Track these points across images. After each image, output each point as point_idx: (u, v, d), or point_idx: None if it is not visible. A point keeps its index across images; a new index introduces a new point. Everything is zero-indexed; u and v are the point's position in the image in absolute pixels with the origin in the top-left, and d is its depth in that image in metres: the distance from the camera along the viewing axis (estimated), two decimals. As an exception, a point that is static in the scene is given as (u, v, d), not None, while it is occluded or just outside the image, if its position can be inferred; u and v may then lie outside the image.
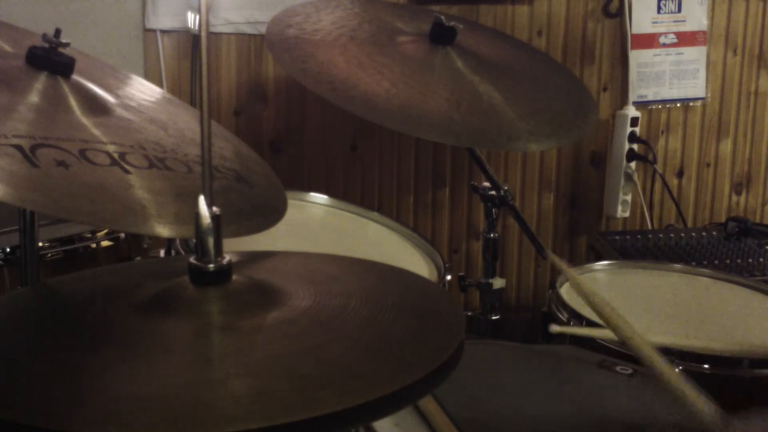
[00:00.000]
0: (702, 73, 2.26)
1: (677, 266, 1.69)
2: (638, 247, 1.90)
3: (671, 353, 1.25)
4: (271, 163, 1.47)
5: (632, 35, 2.19)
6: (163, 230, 0.94)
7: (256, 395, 0.61)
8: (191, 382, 0.64)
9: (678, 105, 2.28)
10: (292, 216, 1.17)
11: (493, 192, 1.70)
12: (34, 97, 1.03)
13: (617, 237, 1.97)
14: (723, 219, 2.19)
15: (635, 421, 1.00)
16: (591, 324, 1.35)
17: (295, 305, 0.76)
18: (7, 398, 0.62)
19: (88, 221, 1.03)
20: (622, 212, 2.24)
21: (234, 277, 0.78)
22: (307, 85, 1.49)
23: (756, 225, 2.00)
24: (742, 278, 1.64)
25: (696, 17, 2.23)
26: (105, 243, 1.40)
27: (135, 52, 1.94)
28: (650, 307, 1.49)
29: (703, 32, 2.24)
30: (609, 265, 1.69)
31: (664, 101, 2.26)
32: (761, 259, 1.84)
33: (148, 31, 1.93)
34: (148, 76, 1.93)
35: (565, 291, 1.51)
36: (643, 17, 2.20)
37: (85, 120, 1.04)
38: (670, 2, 2.21)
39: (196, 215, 0.76)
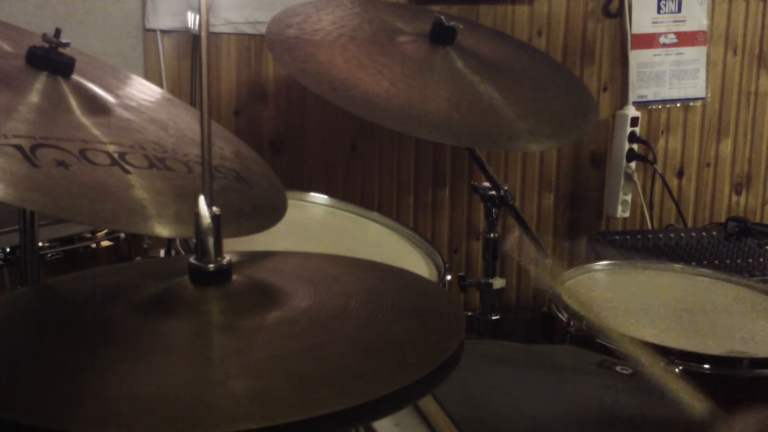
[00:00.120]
0: (702, 73, 2.26)
1: (677, 266, 1.69)
2: (638, 247, 1.90)
3: (671, 353, 1.25)
4: (271, 163, 1.47)
5: (632, 35, 2.19)
6: (163, 230, 0.94)
7: (256, 395, 0.61)
8: (191, 382, 0.64)
9: (678, 105, 2.28)
10: (292, 216, 1.17)
11: (493, 192, 1.70)
12: (34, 97, 1.03)
13: (617, 237, 1.97)
14: (723, 219, 2.19)
15: (635, 422, 1.00)
16: (590, 326, 1.35)
17: (295, 305, 0.76)
18: (7, 398, 0.62)
19: (88, 221, 1.03)
20: (622, 212, 2.24)
21: (234, 277, 0.78)
22: (307, 85, 1.49)
23: (756, 225, 2.00)
24: (742, 278, 1.64)
25: (696, 17, 2.23)
26: (105, 243, 1.40)
27: (135, 52, 1.94)
28: (650, 307, 1.49)
29: (703, 32, 2.24)
30: (609, 265, 1.69)
31: (664, 101, 2.26)
32: (761, 259, 1.84)
33: (148, 31, 1.93)
34: (148, 76, 1.93)
35: (565, 291, 1.51)
36: (643, 17, 2.20)
37: (85, 120, 1.04)
38: (670, 2, 2.21)
39: (196, 215, 0.76)
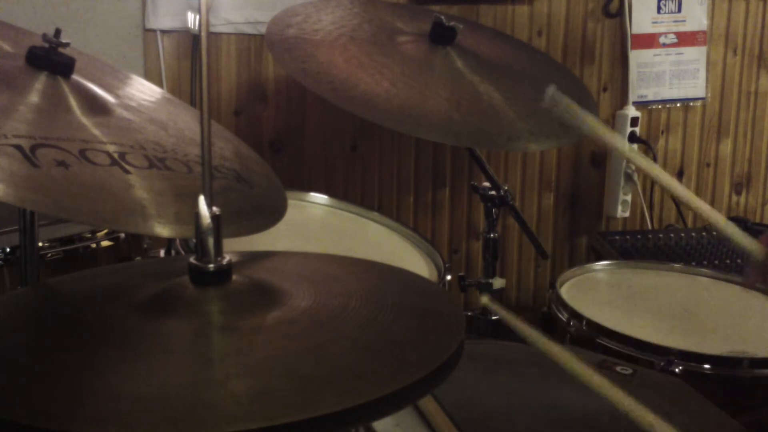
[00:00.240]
0: (702, 73, 2.26)
1: (677, 266, 1.69)
2: (638, 247, 1.90)
3: (671, 353, 1.25)
4: (271, 163, 1.47)
5: (632, 35, 2.19)
6: (163, 230, 0.94)
7: (256, 395, 0.61)
8: (191, 382, 0.64)
9: (678, 105, 2.28)
10: (292, 216, 1.17)
11: (493, 192, 1.70)
12: (34, 97, 1.03)
13: (617, 237, 1.97)
14: (723, 219, 2.18)
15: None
16: (591, 324, 1.35)
17: (295, 305, 0.76)
18: (7, 398, 0.62)
19: (88, 221, 1.03)
20: (622, 212, 2.24)
21: (234, 277, 0.77)
22: (307, 85, 1.49)
23: (756, 225, 2.00)
24: (742, 278, 1.64)
25: (696, 17, 2.23)
26: (105, 243, 1.40)
27: (135, 52, 1.94)
28: (650, 307, 1.49)
29: (703, 32, 2.24)
30: (609, 265, 1.69)
31: (664, 101, 2.26)
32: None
33: (148, 31, 1.93)
34: (148, 76, 1.93)
35: (566, 291, 1.51)
36: (643, 17, 2.20)
37: (85, 120, 1.04)
38: (670, 2, 2.21)
39: (196, 215, 0.76)
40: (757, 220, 2.33)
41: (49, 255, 1.32)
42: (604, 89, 2.22)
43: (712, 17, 2.25)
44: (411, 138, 2.11)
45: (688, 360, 1.25)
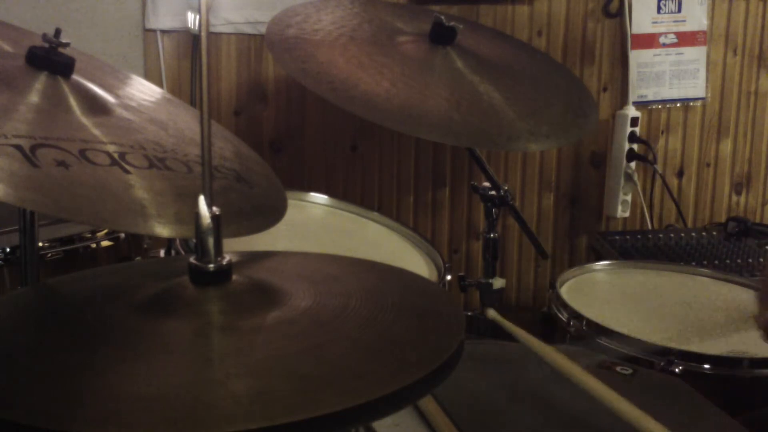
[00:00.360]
0: (702, 73, 2.26)
1: (677, 266, 1.69)
2: (638, 247, 1.90)
3: (671, 353, 1.25)
4: (271, 163, 1.47)
5: (632, 35, 2.19)
6: (163, 230, 0.94)
7: (256, 395, 0.61)
8: (191, 382, 0.64)
9: (678, 105, 2.28)
10: (292, 216, 1.17)
11: (493, 192, 1.70)
12: (34, 97, 1.03)
13: (617, 237, 1.97)
14: (723, 219, 2.19)
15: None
16: (591, 324, 1.35)
17: (295, 305, 0.76)
18: (7, 398, 0.62)
19: (88, 221, 1.03)
20: (622, 212, 2.24)
21: (234, 277, 0.77)
22: (307, 85, 1.49)
23: (756, 225, 2.00)
24: (742, 278, 1.64)
25: (696, 17, 2.23)
26: (105, 243, 1.40)
27: (135, 52, 1.94)
28: (650, 307, 1.49)
29: (703, 32, 2.24)
30: (609, 265, 1.69)
31: (664, 101, 2.26)
32: (761, 259, 1.84)
33: (148, 31, 1.93)
34: (148, 76, 1.93)
35: (566, 291, 1.51)
36: (643, 17, 2.20)
37: (85, 120, 1.04)
38: (670, 2, 2.21)
39: (196, 215, 0.76)
40: (757, 220, 2.33)
41: (49, 255, 1.32)
42: (604, 89, 2.22)
43: (712, 17, 2.25)
44: (411, 138, 2.11)
45: (688, 360, 1.25)
